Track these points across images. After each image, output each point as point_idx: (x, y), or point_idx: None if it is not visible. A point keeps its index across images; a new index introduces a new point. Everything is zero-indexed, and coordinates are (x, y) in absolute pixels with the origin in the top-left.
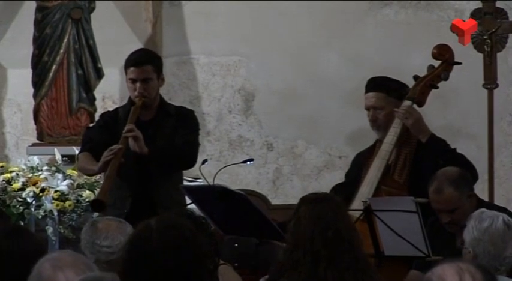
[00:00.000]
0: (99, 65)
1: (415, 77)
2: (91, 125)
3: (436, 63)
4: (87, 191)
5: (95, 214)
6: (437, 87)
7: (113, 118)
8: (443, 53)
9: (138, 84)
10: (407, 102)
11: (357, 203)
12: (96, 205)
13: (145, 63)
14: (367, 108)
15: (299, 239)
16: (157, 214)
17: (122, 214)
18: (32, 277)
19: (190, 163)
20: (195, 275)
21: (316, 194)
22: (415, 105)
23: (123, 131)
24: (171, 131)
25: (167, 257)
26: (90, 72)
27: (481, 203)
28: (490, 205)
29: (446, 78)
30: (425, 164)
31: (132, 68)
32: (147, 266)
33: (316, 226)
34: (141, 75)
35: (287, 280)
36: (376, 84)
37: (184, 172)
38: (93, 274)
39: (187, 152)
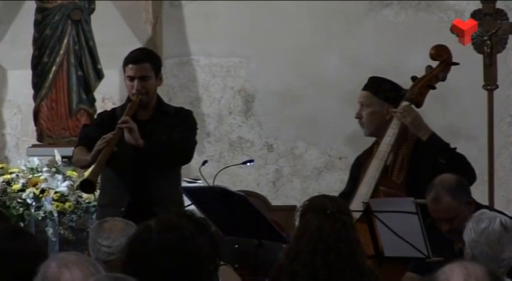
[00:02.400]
0: (99, 66)
1: (413, 78)
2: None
3: (434, 63)
4: None
5: (95, 216)
6: (435, 88)
7: (110, 117)
8: (440, 54)
9: (136, 82)
10: (405, 103)
11: (356, 204)
12: (85, 185)
13: (143, 61)
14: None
15: (301, 250)
16: (154, 212)
17: (120, 213)
18: (38, 276)
19: (186, 158)
20: (194, 276)
21: (324, 204)
22: (413, 106)
23: (118, 122)
24: (168, 130)
25: (167, 258)
26: (90, 73)
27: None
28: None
29: (444, 79)
30: (423, 164)
31: (130, 66)
32: (146, 267)
33: (318, 243)
34: (139, 73)
35: None
36: (369, 83)
37: (184, 173)
38: (119, 274)
39: (183, 147)
